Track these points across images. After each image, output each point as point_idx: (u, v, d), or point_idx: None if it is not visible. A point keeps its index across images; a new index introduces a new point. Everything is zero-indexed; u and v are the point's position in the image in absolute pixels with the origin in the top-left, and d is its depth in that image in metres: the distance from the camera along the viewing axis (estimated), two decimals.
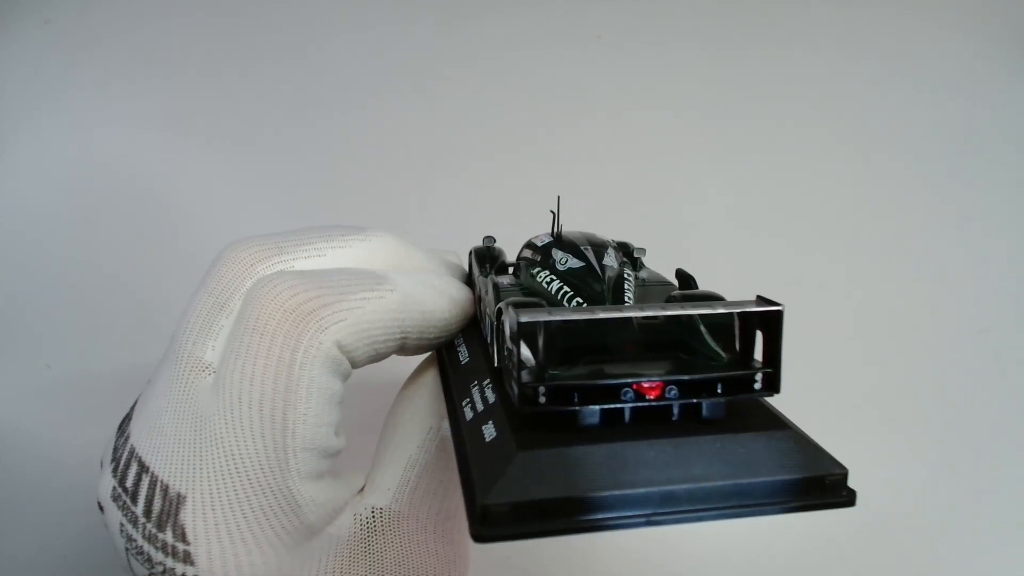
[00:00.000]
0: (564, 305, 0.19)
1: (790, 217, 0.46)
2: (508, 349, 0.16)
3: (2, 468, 0.39)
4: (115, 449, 0.21)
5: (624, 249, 0.24)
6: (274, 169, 0.45)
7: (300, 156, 0.45)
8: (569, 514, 0.15)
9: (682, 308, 0.16)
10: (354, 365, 0.21)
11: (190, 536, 0.19)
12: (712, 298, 0.18)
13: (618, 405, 0.16)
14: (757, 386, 0.17)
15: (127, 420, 0.22)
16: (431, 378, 0.24)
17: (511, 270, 0.25)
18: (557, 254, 0.21)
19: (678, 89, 0.47)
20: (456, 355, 0.23)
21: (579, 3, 0.48)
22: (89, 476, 0.38)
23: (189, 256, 0.44)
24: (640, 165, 0.47)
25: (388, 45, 0.47)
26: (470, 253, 0.27)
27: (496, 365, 0.20)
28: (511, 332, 0.16)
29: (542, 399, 0.16)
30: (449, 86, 0.47)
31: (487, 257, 0.26)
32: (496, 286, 0.21)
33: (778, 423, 0.17)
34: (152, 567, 0.19)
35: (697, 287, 0.21)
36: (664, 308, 0.16)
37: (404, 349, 0.23)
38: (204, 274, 0.22)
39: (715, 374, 0.16)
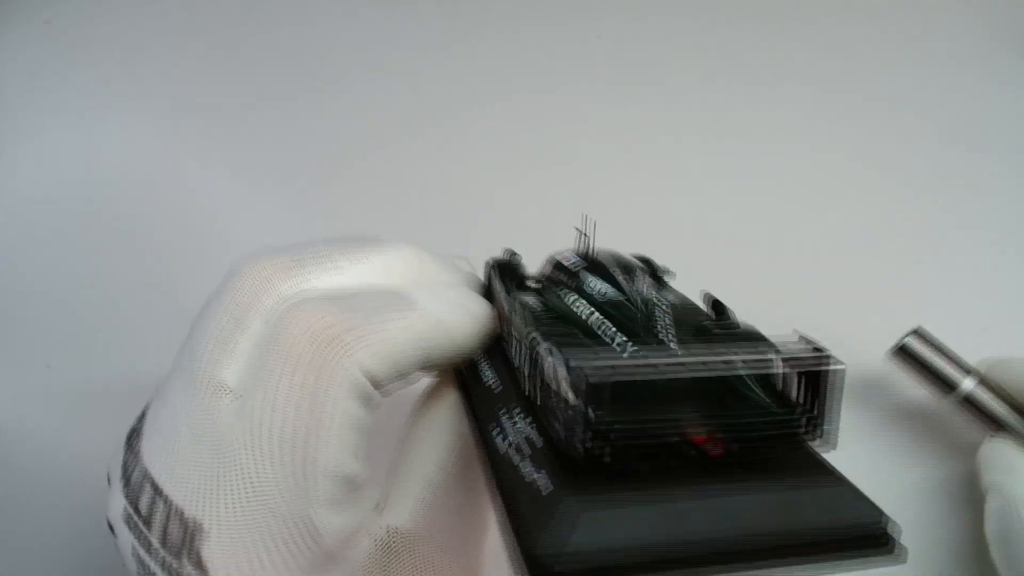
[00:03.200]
0: (601, 337, 0.19)
1: (794, 219, 0.46)
2: (565, 400, 0.16)
3: (2, 468, 0.39)
4: (125, 466, 0.21)
5: (649, 267, 0.24)
6: (278, 169, 0.45)
7: (303, 156, 0.46)
8: (620, 567, 0.15)
9: (735, 354, 0.16)
10: (378, 388, 0.21)
11: (207, 564, 0.18)
12: (755, 337, 0.18)
13: (682, 461, 0.16)
14: (802, 431, 0.17)
15: (136, 435, 0.21)
16: (451, 394, 0.24)
17: (528, 282, 0.25)
18: (588, 278, 0.22)
19: (679, 88, 0.47)
20: (478, 373, 0.23)
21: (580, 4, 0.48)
22: (89, 476, 0.38)
23: (190, 256, 0.45)
24: (644, 164, 0.47)
25: (396, 44, 0.47)
26: (490, 265, 0.26)
27: (528, 395, 0.19)
28: (584, 391, 0.15)
29: (607, 459, 0.16)
30: (452, 86, 0.47)
31: (509, 272, 0.25)
32: (527, 309, 0.21)
33: (821, 469, 0.17)
34: None
35: (728, 314, 0.21)
36: (717, 354, 0.16)
37: (426, 369, 0.23)
38: (217, 288, 0.22)
39: (763, 419, 0.16)
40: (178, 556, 0.19)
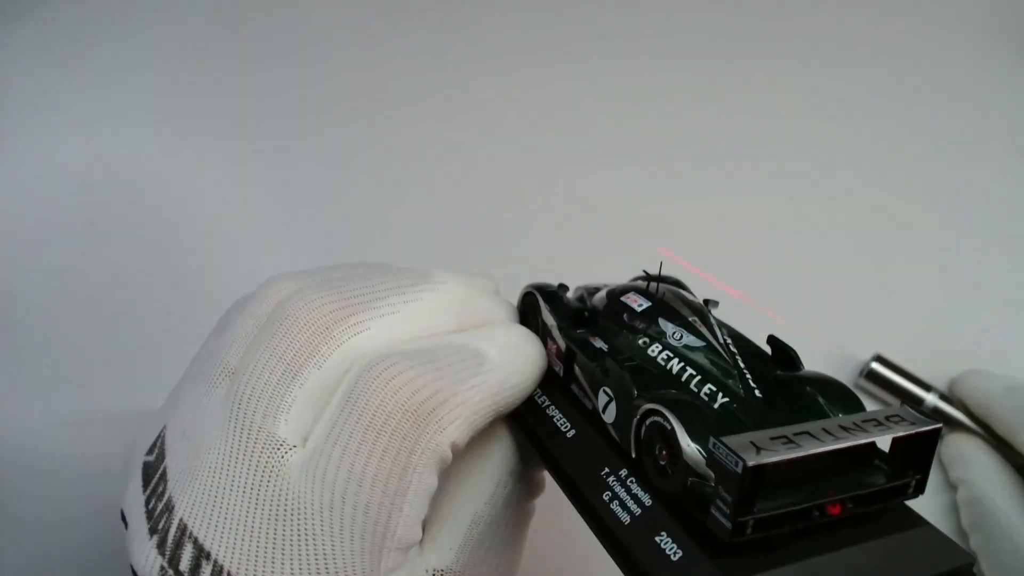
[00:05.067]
0: (696, 391, 0.20)
1: (798, 221, 0.47)
2: (710, 486, 0.17)
3: (1, 467, 0.39)
4: (149, 512, 0.19)
5: (704, 303, 0.24)
6: (280, 169, 0.46)
7: (304, 156, 0.46)
8: None
9: (873, 435, 0.17)
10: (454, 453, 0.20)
11: None
12: (839, 389, 0.20)
13: (807, 523, 0.17)
14: (910, 491, 0.18)
15: (155, 472, 0.20)
16: (500, 428, 0.24)
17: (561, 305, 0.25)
18: (666, 325, 0.22)
19: (678, 91, 0.49)
20: (547, 418, 0.23)
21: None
22: (88, 476, 0.39)
23: (190, 256, 0.45)
24: (638, 165, 0.48)
25: (398, 49, 0.47)
26: (530, 293, 0.26)
27: (633, 458, 0.20)
28: (740, 477, 0.15)
29: (749, 531, 0.16)
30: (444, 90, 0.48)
31: (557, 304, 0.25)
32: (618, 361, 0.21)
33: (918, 520, 0.19)
34: None
35: (798, 360, 0.21)
36: (858, 432, 0.17)
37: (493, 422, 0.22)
38: (262, 328, 0.20)
39: (881, 484, 0.18)
40: None
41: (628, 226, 0.47)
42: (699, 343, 0.21)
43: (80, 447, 0.40)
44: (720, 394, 0.20)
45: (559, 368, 0.24)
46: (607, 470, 0.20)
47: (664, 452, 0.18)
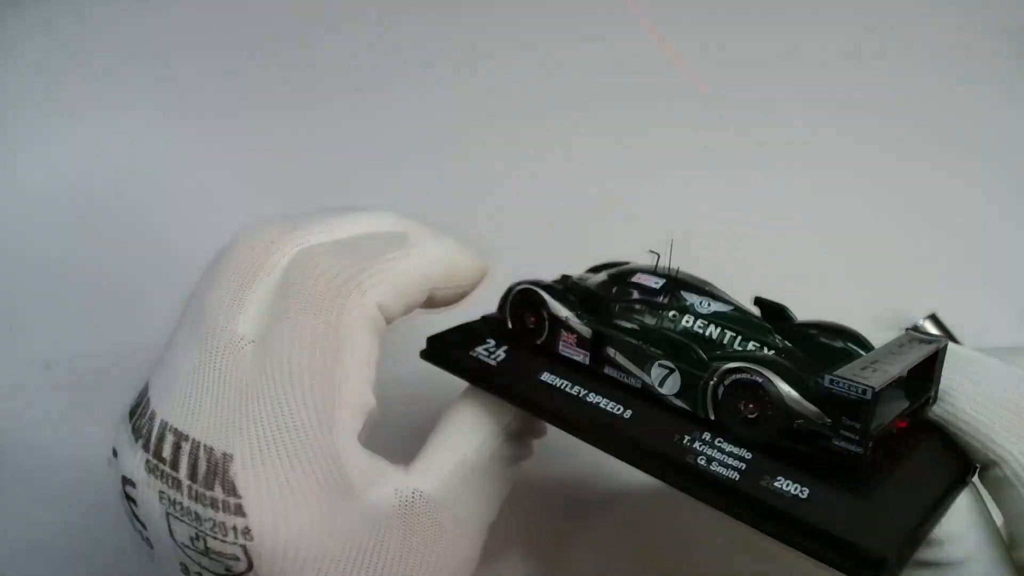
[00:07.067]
0: (740, 351, 0.21)
1: (798, 217, 0.46)
2: (819, 421, 0.18)
3: (1, 468, 0.39)
4: (136, 430, 0.21)
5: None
6: (276, 167, 0.46)
7: (301, 154, 0.46)
8: (920, 529, 0.18)
9: (920, 355, 0.19)
10: (388, 321, 0.22)
11: (240, 490, 0.19)
12: (843, 330, 0.22)
13: (890, 439, 0.19)
14: (931, 403, 0.21)
15: (139, 407, 0.22)
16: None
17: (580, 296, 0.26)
18: (691, 297, 0.23)
19: (678, 87, 0.48)
20: (592, 407, 0.23)
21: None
22: (88, 476, 0.38)
23: (189, 254, 0.44)
24: (633, 162, 0.47)
25: (382, 38, 0.47)
26: (531, 291, 0.26)
27: (714, 419, 0.21)
28: (868, 400, 0.17)
29: (868, 452, 0.18)
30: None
31: (567, 297, 0.25)
32: (683, 332, 0.22)
33: (930, 425, 0.21)
34: (200, 524, 0.19)
35: (791, 313, 0.23)
36: (912, 356, 0.19)
37: (432, 301, 0.24)
38: (219, 257, 0.23)
39: (914, 401, 0.20)
40: (210, 485, 0.19)
41: (626, 224, 0.46)
42: (726, 308, 0.23)
43: (79, 446, 0.39)
44: (765, 348, 0.21)
45: (582, 357, 0.24)
46: (688, 438, 0.21)
47: (751, 405, 0.19)
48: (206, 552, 0.20)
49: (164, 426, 0.20)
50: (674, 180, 0.46)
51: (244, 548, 0.19)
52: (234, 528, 0.19)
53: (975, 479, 0.21)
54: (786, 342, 0.22)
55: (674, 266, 0.24)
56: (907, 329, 0.22)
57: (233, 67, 0.46)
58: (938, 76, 0.48)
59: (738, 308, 0.23)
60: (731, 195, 0.46)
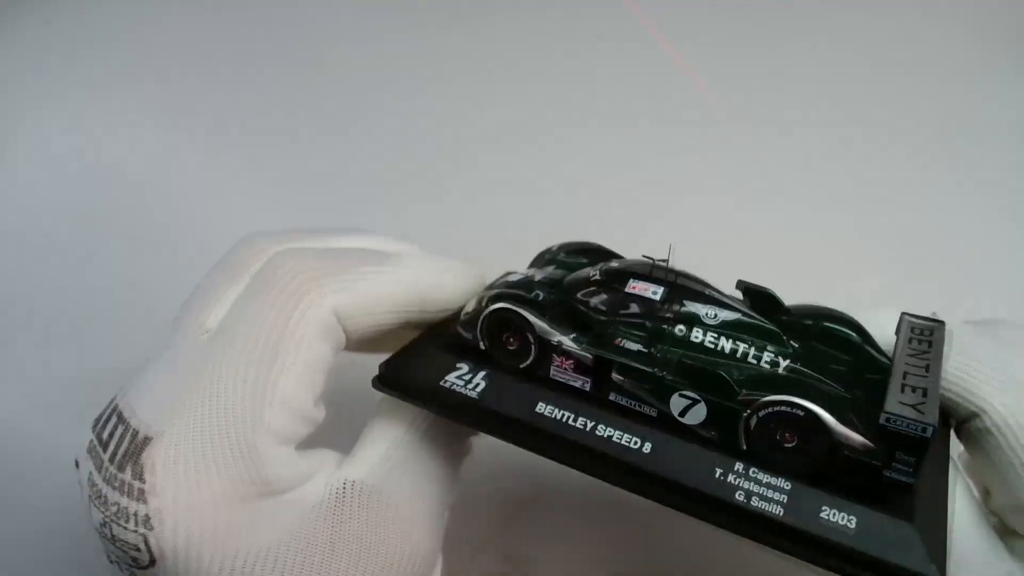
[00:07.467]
0: (756, 365, 0.20)
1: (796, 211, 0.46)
2: (868, 452, 0.18)
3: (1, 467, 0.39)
4: (96, 422, 0.21)
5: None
6: (276, 168, 0.46)
7: (301, 154, 0.46)
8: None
9: (937, 354, 0.19)
10: (351, 336, 0.22)
11: (147, 475, 0.18)
12: (838, 316, 0.21)
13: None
14: None
15: (109, 405, 0.22)
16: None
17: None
18: (696, 307, 0.21)
19: (676, 86, 0.47)
20: (603, 441, 0.20)
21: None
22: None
23: (189, 255, 0.44)
24: (627, 160, 0.47)
25: (383, 45, 0.47)
26: (508, 309, 0.22)
27: (747, 449, 0.19)
28: (928, 438, 0.17)
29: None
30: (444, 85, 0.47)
31: (556, 314, 0.22)
32: (696, 363, 0.20)
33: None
34: (107, 509, 0.19)
35: (780, 299, 0.22)
36: (934, 359, 0.19)
37: (410, 324, 0.24)
38: (217, 262, 0.23)
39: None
40: (122, 468, 0.19)
41: (623, 222, 0.45)
42: (733, 315, 0.21)
43: (78, 446, 0.39)
44: (781, 358, 0.20)
45: (581, 383, 0.21)
46: (720, 471, 0.19)
47: (788, 435, 0.19)
48: (112, 540, 0.19)
49: (113, 409, 0.20)
50: (674, 180, 0.46)
51: (144, 538, 0.18)
52: (135, 515, 0.18)
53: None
54: (794, 343, 0.21)
55: (672, 266, 0.22)
56: (902, 313, 0.21)
57: (237, 66, 0.46)
58: (938, 76, 0.48)
59: (745, 313, 0.21)
60: (730, 195, 0.46)
